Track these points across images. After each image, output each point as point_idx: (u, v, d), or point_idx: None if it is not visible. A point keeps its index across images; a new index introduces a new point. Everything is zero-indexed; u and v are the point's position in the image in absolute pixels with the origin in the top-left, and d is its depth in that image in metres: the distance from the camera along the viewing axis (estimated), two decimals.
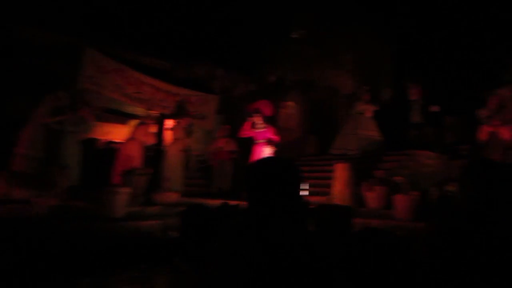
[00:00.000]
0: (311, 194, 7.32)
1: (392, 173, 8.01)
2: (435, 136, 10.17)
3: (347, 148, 10.03)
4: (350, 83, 12.31)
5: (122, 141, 8.96)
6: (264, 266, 1.23)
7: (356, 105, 10.25)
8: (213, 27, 10.26)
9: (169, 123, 9.93)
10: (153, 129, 9.22)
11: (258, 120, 8.67)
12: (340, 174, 7.33)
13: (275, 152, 8.65)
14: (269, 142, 8.57)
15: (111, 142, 9.98)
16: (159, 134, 10.37)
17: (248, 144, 9.05)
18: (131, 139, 8.50)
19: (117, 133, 10.14)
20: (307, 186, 6.51)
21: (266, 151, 8.55)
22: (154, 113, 9.76)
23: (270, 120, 9.29)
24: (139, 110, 9.87)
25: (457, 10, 12.04)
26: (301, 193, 1.45)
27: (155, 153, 9.54)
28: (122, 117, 10.38)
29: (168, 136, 9.72)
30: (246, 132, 8.84)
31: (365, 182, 7.34)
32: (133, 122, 9.24)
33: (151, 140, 8.92)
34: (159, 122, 10.30)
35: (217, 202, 6.62)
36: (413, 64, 11.56)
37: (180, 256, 2.50)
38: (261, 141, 8.67)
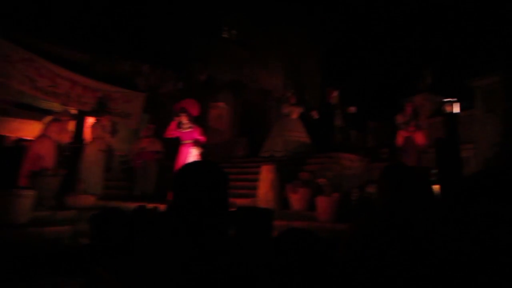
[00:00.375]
0: (238, 196, 7.20)
1: (316, 175, 8.14)
2: (357, 139, 10.60)
3: (275, 150, 10.07)
4: (281, 85, 12.47)
5: (32, 138, 8.14)
6: (192, 273, 1.22)
7: (282, 107, 10.34)
8: (141, 21, 9.73)
9: (89, 120, 9.26)
10: (69, 126, 8.50)
11: (184, 119, 8.33)
12: (265, 176, 7.28)
13: (202, 154, 8.38)
14: (196, 143, 8.28)
15: (20, 140, 9.06)
16: (78, 132, 9.64)
17: (175, 145, 8.70)
18: (42, 136, 7.74)
19: (29, 130, 9.23)
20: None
21: (193, 152, 8.26)
22: (71, 109, 9.02)
23: (197, 120, 9.03)
24: (55, 106, 9.06)
25: (381, 21, 12.71)
26: (227, 196, 1.44)
27: (72, 153, 8.82)
28: (35, 113, 9.47)
29: (87, 134, 9.04)
30: (171, 132, 8.45)
31: (289, 184, 7.35)
32: (48, 119, 8.45)
33: (65, 138, 8.21)
34: (78, 119, 9.57)
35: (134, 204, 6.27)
36: (338, 70, 11.97)
37: (96, 263, 2.23)
38: (188, 141, 8.35)
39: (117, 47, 9.34)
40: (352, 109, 10.23)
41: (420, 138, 9.37)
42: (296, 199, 7.29)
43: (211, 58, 10.99)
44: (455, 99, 7.51)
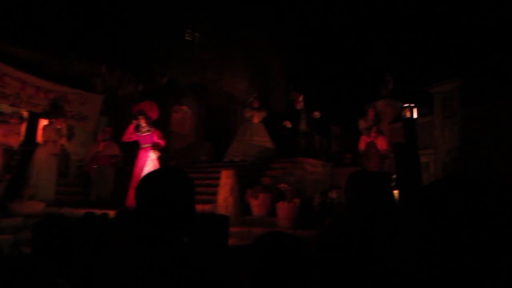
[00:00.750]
0: (200, 202, 6.96)
1: (278, 180, 8.04)
2: (321, 144, 10.60)
3: (238, 155, 9.92)
4: (246, 89, 12.34)
5: None
6: (158, 281, 1.21)
7: (244, 112, 10.22)
8: (99, 21, 9.34)
9: (43, 123, 8.77)
10: (19, 129, 8.02)
11: (142, 122, 8.04)
12: (225, 182, 7.09)
13: (163, 158, 8.12)
14: (155, 147, 7.99)
15: None
16: (30, 135, 9.12)
17: (135, 149, 8.38)
18: None
19: None
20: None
21: (151, 157, 7.97)
22: (22, 110, 8.53)
23: (156, 123, 8.76)
24: (4, 107, 8.54)
25: (345, 28, 12.86)
26: (193, 203, 1.43)
27: (22, 157, 8.31)
28: None
29: (39, 137, 8.57)
30: (129, 135, 8.14)
31: (249, 190, 7.19)
32: None
33: (14, 142, 7.73)
34: (30, 121, 9.06)
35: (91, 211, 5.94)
36: (304, 74, 11.98)
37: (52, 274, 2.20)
38: (146, 145, 8.05)
39: (73, 47, 8.91)
40: (317, 114, 10.24)
41: (382, 143, 9.46)
42: (257, 205, 7.14)
43: (173, 61, 10.73)
44: (413, 105, 7.59)
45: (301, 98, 10.30)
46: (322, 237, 1.66)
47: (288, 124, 10.24)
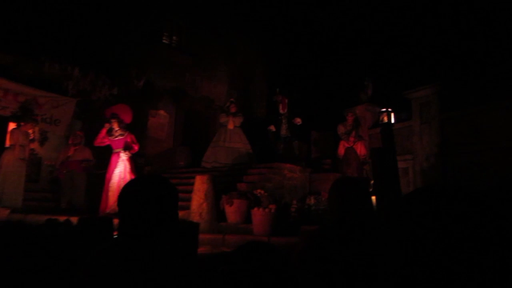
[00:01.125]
0: None
1: (255, 186, 7.86)
2: (301, 150, 10.48)
3: (210, 161, 9.74)
4: (225, 94, 12.19)
5: None
6: None
7: (220, 117, 10.08)
8: (72, 22, 9.07)
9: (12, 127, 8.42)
10: None
11: (115, 126, 7.79)
12: (199, 187, 6.88)
13: (135, 162, 7.88)
14: (126, 148, 7.75)
15: None
16: None
17: (108, 153, 8.12)
18: None
19: None
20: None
21: (122, 157, 7.72)
22: None
23: (132, 128, 8.52)
24: None
25: (326, 33, 12.85)
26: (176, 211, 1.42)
27: None
28: None
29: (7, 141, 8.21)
30: (101, 140, 7.87)
31: (224, 196, 7.00)
32: None
33: None
34: None
35: (61, 218, 5.69)
36: (284, 79, 11.89)
37: None
38: (119, 150, 7.80)
39: (44, 48, 8.61)
40: (298, 120, 10.14)
41: (361, 149, 9.40)
42: (232, 211, 6.95)
43: (150, 64, 10.50)
44: (390, 109, 7.54)
45: (286, 101, 10.23)
46: (306, 249, 1.58)
47: (272, 128, 10.13)
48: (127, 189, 1.40)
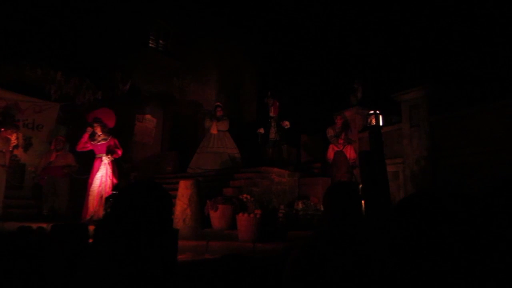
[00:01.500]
0: None
1: (242, 191, 7.70)
2: (289, 153, 10.33)
3: (199, 166, 9.56)
4: (214, 98, 12.04)
5: None
6: None
7: (205, 122, 9.95)
8: (55, 25, 8.88)
9: None
10: None
11: (98, 131, 7.61)
12: (183, 192, 6.71)
13: (115, 167, 7.68)
14: (109, 152, 7.57)
15: None
16: None
17: (92, 158, 7.93)
18: None
19: None
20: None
21: (104, 161, 7.53)
22: None
23: (118, 133, 8.33)
24: None
25: (315, 36, 12.78)
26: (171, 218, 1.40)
27: None
28: None
29: None
30: (83, 144, 7.69)
31: (209, 201, 6.81)
32: None
33: None
34: None
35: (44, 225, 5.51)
36: (274, 83, 11.77)
37: None
38: (102, 155, 7.62)
39: (26, 52, 8.42)
40: (287, 123, 10.02)
41: (350, 153, 9.26)
42: (217, 217, 6.76)
43: (136, 68, 10.33)
44: (378, 112, 7.41)
45: (277, 104, 10.12)
46: (300, 257, 1.51)
47: (262, 131, 10.01)
48: (120, 196, 1.40)
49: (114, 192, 6.18)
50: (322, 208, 7.79)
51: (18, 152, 8.90)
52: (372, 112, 7.49)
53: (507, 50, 9.04)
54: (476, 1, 9.89)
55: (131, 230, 1.30)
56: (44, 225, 5.54)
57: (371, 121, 7.35)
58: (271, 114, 10.09)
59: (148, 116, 10.82)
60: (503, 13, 9.21)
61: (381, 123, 7.45)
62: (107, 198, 6.13)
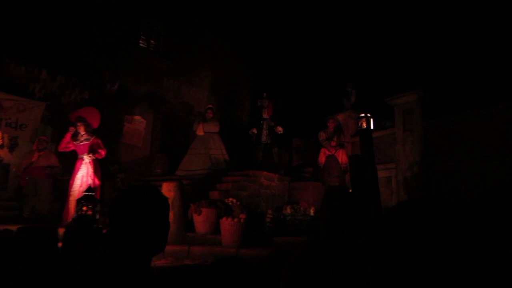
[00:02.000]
0: None
1: (229, 194, 7.48)
2: (280, 157, 10.14)
3: (188, 169, 9.35)
4: (206, 100, 11.85)
5: None
6: None
7: (194, 124, 9.78)
8: (41, 22, 8.67)
9: None
10: None
11: (81, 130, 7.39)
12: (165, 195, 6.46)
13: (98, 166, 7.46)
14: (91, 153, 7.34)
15: None
16: None
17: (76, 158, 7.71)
18: None
19: None
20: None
21: (85, 160, 7.31)
22: None
23: (106, 134, 8.13)
24: None
25: (308, 39, 12.64)
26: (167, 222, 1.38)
27: None
28: None
29: None
30: (65, 145, 7.46)
31: (193, 204, 6.59)
32: None
33: None
34: None
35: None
36: (267, 86, 11.59)
37: None
38: (84, 155, 7.39)
39: (9, 50, 8.21)
40: (280, 129, 9.86)
41: (342, 157, 9.07)
42: (200, 221, 6.54)
43: (126, 68, 10.13)
44: (369, 115, 7.22)
45: (271, 105, 9.98)
46: (297, 263, 1.48)
47: (254, 131, 9.83)
48: (118, 200, 1.37)
49: (86, 193, 5.94)
50: (311, 213, 7.61)
51: (2, 152, 8.69)
52: (363, 115, 7.31)
53: (500, 55, 8.89)
54: (471, 5, 9.76)
55: (129, 234, 1.28)
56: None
57: (361, 124, 7.16)
58: (264, 116, 9.93)
59: (137, 117, 10.61)
60: (496, 17, 9.08)
61: (372, 127, 7.25)
62: (79, 200, 5.89)
